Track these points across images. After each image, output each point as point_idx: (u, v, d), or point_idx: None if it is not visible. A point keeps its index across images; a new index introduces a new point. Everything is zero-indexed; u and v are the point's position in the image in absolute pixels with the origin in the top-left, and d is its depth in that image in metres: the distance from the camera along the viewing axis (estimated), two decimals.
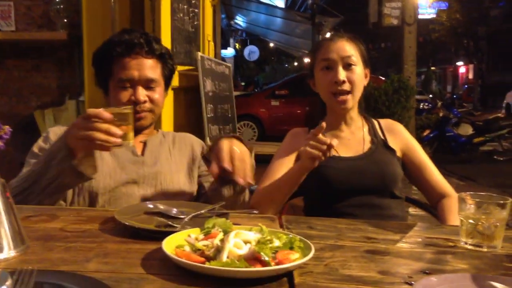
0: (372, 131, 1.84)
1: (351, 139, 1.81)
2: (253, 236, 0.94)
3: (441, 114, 9.78)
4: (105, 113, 1.26)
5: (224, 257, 0.87)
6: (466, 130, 9.33)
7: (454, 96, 25.64)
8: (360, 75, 1.77)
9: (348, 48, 1.76)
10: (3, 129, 0.94)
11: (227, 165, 1.24)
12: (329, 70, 1.75)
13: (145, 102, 1.61)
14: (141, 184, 1.57)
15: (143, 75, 1.60)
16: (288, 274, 0.88)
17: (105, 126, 1.25)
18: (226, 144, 1.28)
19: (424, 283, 0.79)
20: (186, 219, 1.20)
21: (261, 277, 0.85)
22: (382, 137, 1.83)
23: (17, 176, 1.46)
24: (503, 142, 9.50)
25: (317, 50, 1.82)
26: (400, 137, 1.85)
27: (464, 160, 9.02)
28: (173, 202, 1.37)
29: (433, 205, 1.81)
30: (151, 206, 1.31)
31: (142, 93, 1.60)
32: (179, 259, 0.87)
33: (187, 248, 0.94)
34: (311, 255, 0.90)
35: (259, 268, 0.85)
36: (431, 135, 9.31)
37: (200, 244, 0.93)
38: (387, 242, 1.14)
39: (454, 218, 1.63)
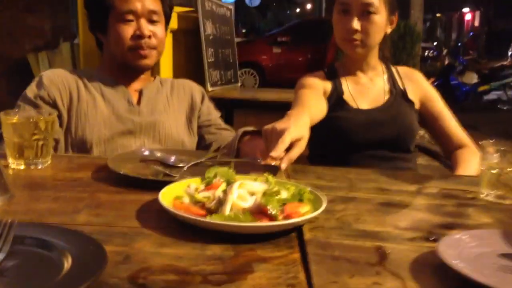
0: (391, 80, 1.72)
1: (370, 88, 1.69)
2: (258, 187, 0.86)
3: (446, 62, 9.61)
4: None
5: (227, 210, 0.80)
6: (471, 78, 9.18)
7: (459, 44, 25.15)
8: (379, 24, 1.58)
9: None
10: None
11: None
12: (345, 14, 1.57)
13: (150, 37, 1.51)
14: (137, 135, 1.50)
15: (146, 6, 1.51)
16: (297, 229, 0.80)
17: None
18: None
19: (450, 241, 0.71)
20: (185, 168, 1.12)
21: (268, 232, 0.77)
22: (402, 87, 1.71)
23: None
24: (508, 91, 9.38)
25: None
26: (419, 87, 1.73)
27: (468, 109, 8.88)
28: (171, 149, 1.29)
29: (447, 156, 1.72)
30: (147, 153, 1.23)
31: (146, 27, 1.51)
32: (177, 212, 0.79)
33: (186, 200, 0.86)
34: (323, 208, 0.82)
35: (265, 223, 0.77)
36: (436, 83, 9.15)
37: (200, 196, 0.85)
38: (402, 193, 1.06)
39: (467, 167, 1.55)
